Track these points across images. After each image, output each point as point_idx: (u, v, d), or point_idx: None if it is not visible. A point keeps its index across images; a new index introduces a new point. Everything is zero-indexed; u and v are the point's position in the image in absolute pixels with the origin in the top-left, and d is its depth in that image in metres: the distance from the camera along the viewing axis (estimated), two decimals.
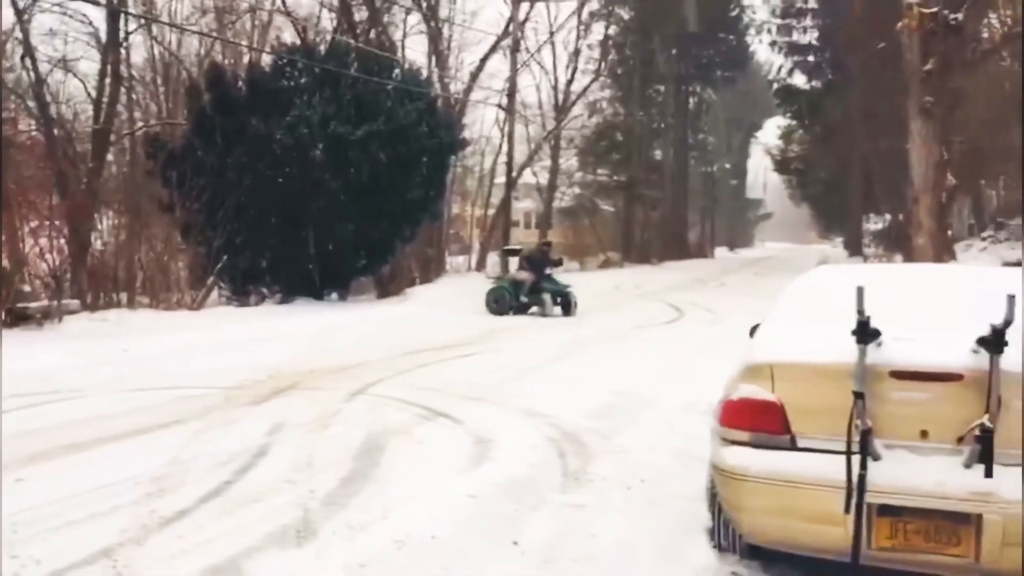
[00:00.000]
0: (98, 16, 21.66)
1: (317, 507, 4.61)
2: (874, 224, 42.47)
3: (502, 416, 7.08)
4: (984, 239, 29.74)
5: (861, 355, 3.23)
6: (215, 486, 4.95)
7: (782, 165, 47.88)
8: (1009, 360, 3.11)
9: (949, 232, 21.75)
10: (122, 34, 22.42)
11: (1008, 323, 3.03)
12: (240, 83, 19.42)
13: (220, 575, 3.68)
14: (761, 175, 68.10)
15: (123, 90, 23.21)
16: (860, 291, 3.19)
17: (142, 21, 24.21)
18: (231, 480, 5.09)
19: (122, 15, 21.31)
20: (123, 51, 23.20)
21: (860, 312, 3.20)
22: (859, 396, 3.21)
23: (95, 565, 3.75)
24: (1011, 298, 3.10)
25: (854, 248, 39.35)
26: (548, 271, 17.15)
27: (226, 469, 5.30)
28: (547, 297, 16.64)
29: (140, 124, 24.30)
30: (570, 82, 37.16)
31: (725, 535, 4.02)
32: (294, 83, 19.48)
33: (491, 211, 35.02)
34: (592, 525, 4.50)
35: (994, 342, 3.09)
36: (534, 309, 16.79)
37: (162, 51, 26.94)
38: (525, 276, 17.08)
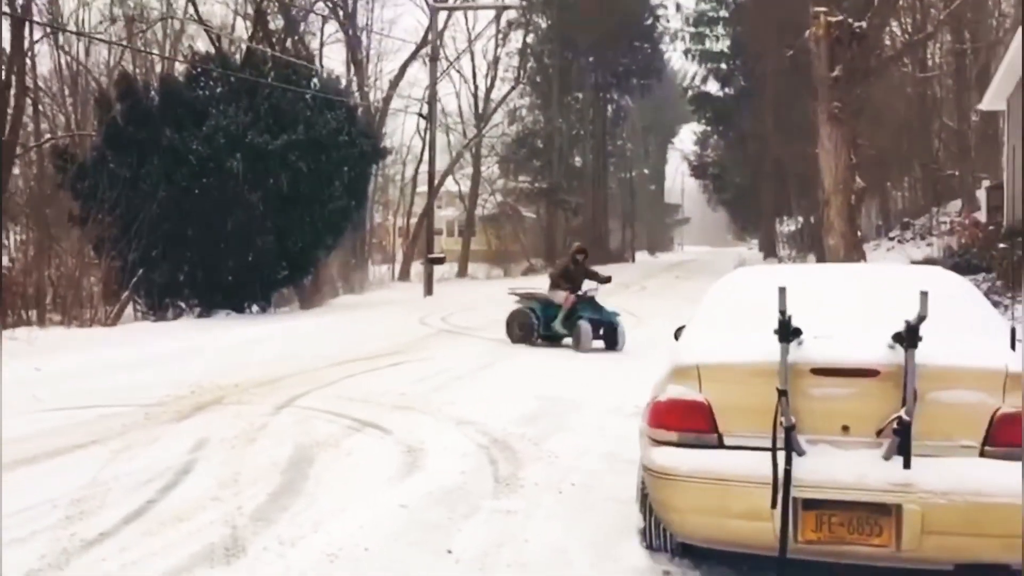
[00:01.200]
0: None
1: (245, 523, 4.53)
2: (787, 226, 43.66)
3: (432, 425, 7.06)
4: (891, 239, 30.80)
5: (784, 353, 3.32)
6: (138, 506, 4.81)
7: (698, 170, 48.90)
8: (923, 354, 3.23)
9: (859, 233, 22.43)
10: (27, 43, 21.69)
11: (922, 319, 3.16)
12: (153, 93, 18.96)
13: None
14: (679, 180, 69.44)
15: (29, 101, 22.43)
16: (782, 291, 3.28)
17: (48, 30, 23.48)
18: (154, 499, 4.95)
19: (27, 24, 20.61)
20: (28, 61, 22.45)
21: (782, 312, 3.29)
22: (783, 393, 3.30)
23: None
24: (924, 295, 3.23)
25: (769, 250, 40.39)
26: (588, 291, 12.82)
27: (149, 488, 5.15)
28: (585, 326, 12.07)
29: (48, 136, 23.50)
30: (489, 90, 37.40)
31: (657, 535, 4.08)
32: (209, 93, 19.13)
33: (413, 220, 34.91)
34: (525, 531, 4.52)
35: (908, 337, 3.21)
36: (567, 340, 12.48)
37: (69, 61, 26.12)
38: (563, 297, 12.71)
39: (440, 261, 27.17)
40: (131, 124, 17.90)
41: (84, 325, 15.41)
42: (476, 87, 37.66)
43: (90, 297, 17.13)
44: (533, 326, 12.80)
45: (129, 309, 18.18)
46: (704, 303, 4.50)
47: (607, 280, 13.34)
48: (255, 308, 19.51)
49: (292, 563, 3.94)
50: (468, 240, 38.31)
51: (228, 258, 18.19)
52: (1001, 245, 13.65)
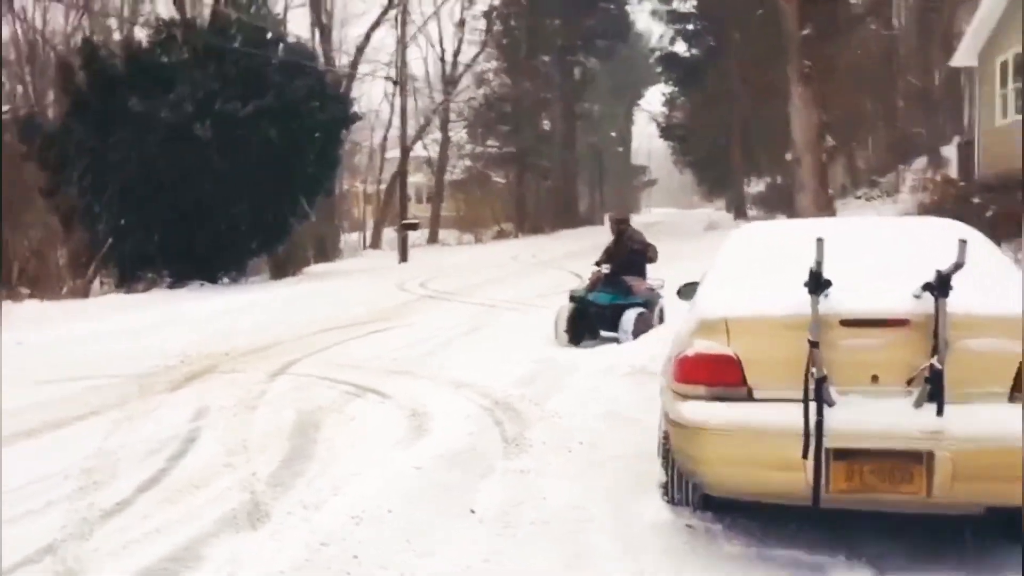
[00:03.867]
0: None
1: (263, 489, 4.51)
2: (755, 187, 43.88)
3: (430, 389, 7.05)
4: (858, 197, 31.11)
5: (815, 305, 3.34)
6: (151, 475, 4.78)
7: (666, 131, 48.78)
8: (951, 303, 3.26)
9: (830, 191, 22.64)
10: None
11: (959, 267, 3.18)
12: (116, 60, 18.53)
13: (180, 564, 3.55)
14: (645, 142, 69.36)
15: None
16: (820, 242, 3.29)
17: None
18: (166, 468, 4.92)
19: None
20: None
21: (819, 263, 3.30)
22: (814, 345, 3.32)
23: (41, 563, 3.58)
24: (963, 243, 3.25)
25: (738, 210, 40.57)
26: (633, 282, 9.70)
27: (158, 457, 5.11)
28: (632, 314, 9.23)
29: (6, 107, 22.92)
30: (456, 54, 36.99)
31: (679, 489, 4.12)
32: (175, 58, 18.74)
33: (383, 186, 34.64)
34: (541, 489, 4.53)
35: (940, 286, 3.24)
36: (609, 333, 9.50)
37: (25, 28, 25.44)
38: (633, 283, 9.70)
39: (415, 227, 27.04)
40: (96, 92, 17.51)
41: (56, 298, 15.16)
42: (443, 51, 37.32)
43: (57, 270, 16.86)
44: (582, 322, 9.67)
45: (96, 282, 17.89)
46: (718, 258, 4.50)
47: (652, 255, 9.95)
48: (228, 278, 19.33)
49: (318, 526, 3.92)
50: (438, 206, 38.13)
51: (200, 228, 17.92)
52: (975, 200, 13.82)
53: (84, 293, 16.62)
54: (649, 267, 10.14)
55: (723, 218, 42.89)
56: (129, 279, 17.92)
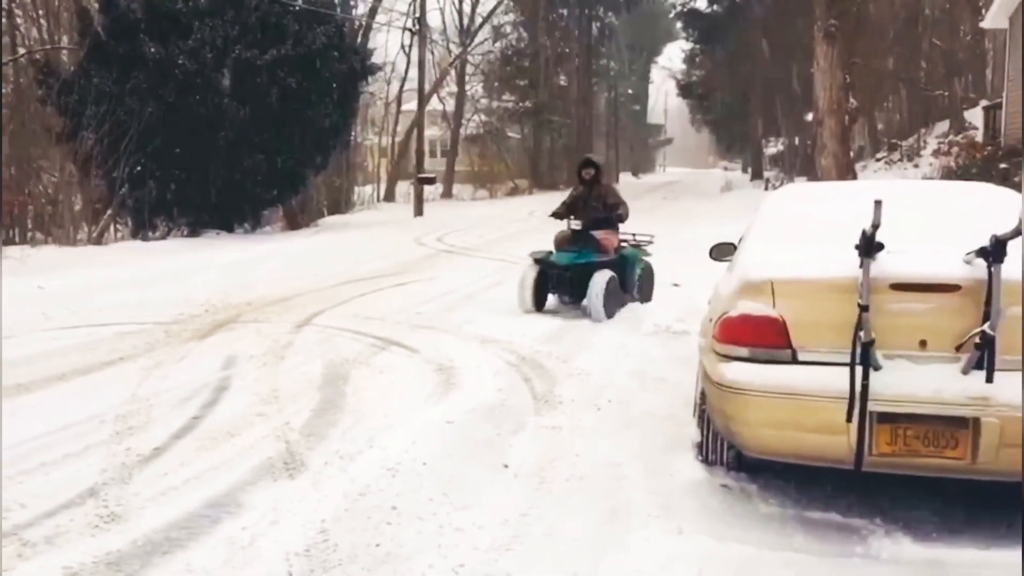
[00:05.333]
0: None
1: (297, 439, 4.53)
2: (772, 148, 43.53)
3: (456, 343, 7.05)
4: (878, 160, 30.83)
5: (866, 268, 3.30)
6: (184, 422, 4.80)
7: (685, 89, 48.33)
8: (1007, 269, 3.22)
9: (851, 154, 22.43)
10: None
11: (1018, 233, 3.14)
12: (135, 5, 18.33)
13: (221, 510, 3.58)
14: (662, 100, 68.81)
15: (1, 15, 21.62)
16: (878, 205, 3.24)
17: None
18: (199, 416, 4.94)
19: None
20: None
21: (875, 226, 3.25)
22: (864, 309, 3.29)
23: (85, 506, 3.60)
24: None
25: (756, 171, 40.31)
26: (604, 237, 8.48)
27: (191, 405, 5.14)
28: (601, 280, 8.01)
29: (22, 51, 22.75)
30: (475, 6, 36.53)
31: (713, 449, 4.12)
32: (194, 4, 18.52)
33: (398, 139, 34.44)
34: (574, 446, 4.55)
35: (995, 252, 3.20)
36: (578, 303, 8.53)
37: None
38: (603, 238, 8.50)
39: (431, 181, 26.93)
40: (114, 38, 17.36)
41: (73, 244, 15.19)
42: (461, 2, 36.84)
43: (74, 216, 16.86)
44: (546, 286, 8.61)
45: (111, 229, 17.90)
46: (758, 219, 4.46)
47: (620, 214, 8.56)
48: (244, 227, 19.33)
49: (355, 476, 3.94)
50: (452, 161, 37.91)
51: (217, 176, 17.90)
52: (1002, 165, 13.67)
53: (98, 239, 16.64)
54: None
55: (739, 179, 42.64)
56: (145, 227, 17.92)
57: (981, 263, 3.28)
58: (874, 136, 35.72)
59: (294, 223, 21.63)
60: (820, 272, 3.54)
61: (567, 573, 3.15)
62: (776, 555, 3.32)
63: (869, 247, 3.30)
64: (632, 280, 8.69)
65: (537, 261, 8.58)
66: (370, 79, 27.07)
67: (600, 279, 8.08)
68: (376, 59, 28.31)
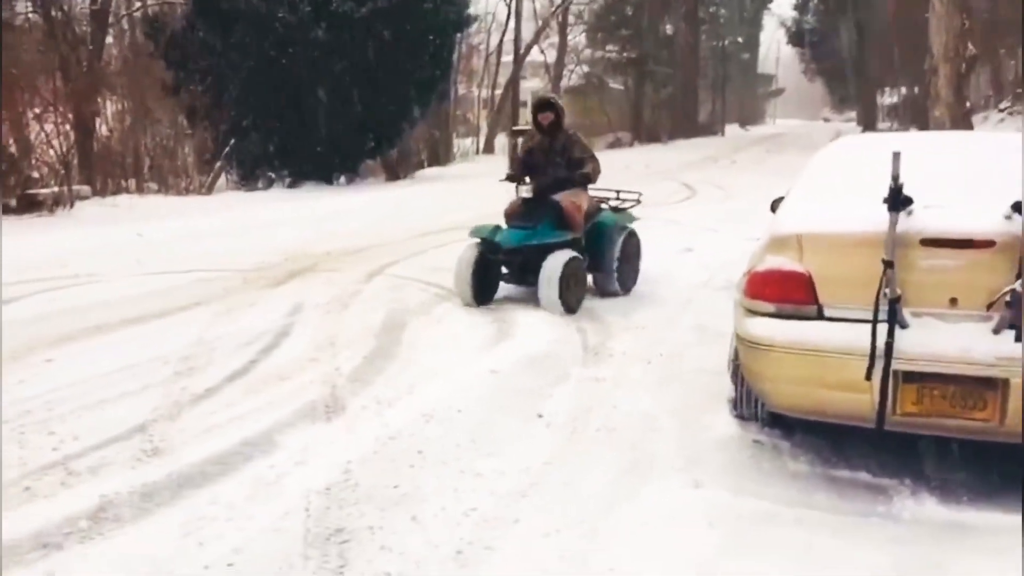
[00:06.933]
0: None
1: (343, 384, 4.69)
2: (889, 98, 41.64)
3: (516, 294, 7.08)
4: (1002, 111, 29.13)
5: (892, 223, 3.19)
6: (241, 365, 5.02)
7: (796, 37, 46.60)
8: None
9: (967, 104, 21.27)
10: None
11: None
12: None
13: (255, 448, 3.76)
14: (774, 49, 66.45)
15: None
16: (896, 156, 3.12)
17: None
18: (256, 359, 5.16)
19: None
20: None
21: (895, 178, 3.14)
22: (889, 264, 3.18)
23: (131, 440, 3.84)
24: None
25: (868, 123, 38.70)
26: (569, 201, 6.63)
27: (251, 349, 5.37)
28: (556, 262, 6.24)
29: (138, 4, 23.64)
30: None
31: (747, 405, 4.08)
32: None
33: (498, 91, 34.39)
34: (613, 398, 4.57)
35: None
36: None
37: None
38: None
39: (524, 133, 26.82)
40: None
41: (180, 193, 15.85)
42: None
43: (184, 166, 17.56)
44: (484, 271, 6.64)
45: (222, 179, 18.62)
46: (806, 172, 4.33)
47: (587, 172, 6.64)
48: (342, 179, 19.77)
49: (389, 421, 4.07)
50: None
51: (316, 129, 18.31)
52: None
53: (208, 190, 17.32)
54: (624, 181, 7.66)
55: (851, 131, 41.01)
56: (249, 177, 18.56)
57: (1019, 219, 3.13)
58: (1000, 85, 33.69)
59: (392, 175, 21.94)
60: (848, 226, 3.44)
61: (574, 521, 3.20)
62: (791, 511, 3.29)
63: (895, 201, 3.18)
64: (611, 258, 6.85)
65: (484, 241, 6.58)
66: (470, 30, 27.10)
67: (555, 262, 6.20)
68: (478, 9, 28.29)
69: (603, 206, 7.18)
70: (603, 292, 6.99)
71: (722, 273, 7.84)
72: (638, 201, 7.43)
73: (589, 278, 6.90)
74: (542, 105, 6.85)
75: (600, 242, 6.87)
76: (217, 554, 2.87)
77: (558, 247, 6.41)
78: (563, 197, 6.59)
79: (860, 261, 3.31)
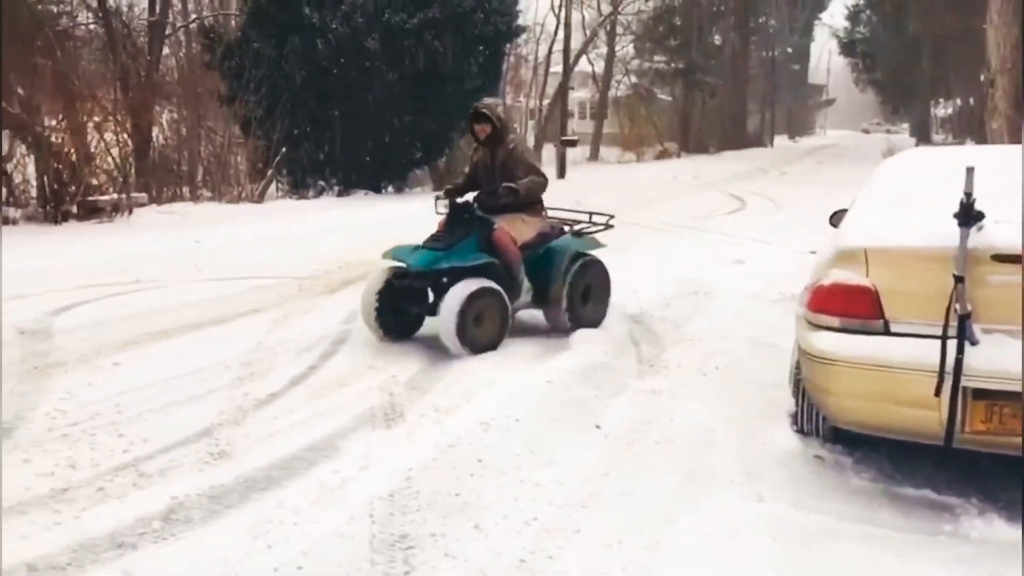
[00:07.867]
0: None
1: (401, 391, 4.74)
2: (943, 109, 40.96)
3: None
4: None
5: (964, 238, 3.16)
6: (301, 371, 5.10)
7: (848, 48, 45.99)
8: None
9: None
10: None
11: None
12: None
13: (318, 454, 3.82)
14: (825, 59, 65.78)
15: None
16: (970, 171, 3.09)
17: None
18: (316, 365, 5.24)
19: None
20: None
21: (968, 193, 3.11)
22: (959, 280, 3.15)
23: (199, 443, 3.92)
24: None
25: (922, 135, 38.11)
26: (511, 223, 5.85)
27: (310, 355, 5.45)
28: (460, 292, 5.37)
29: (194, 16, 24.16)
30: None
31: (808, 420, 4.05)
32: None
33: (546, 101, 34.47)
34: (671, 410, 4.56)
35: None
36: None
37: None
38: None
39: (573, 143, 26.89)
40: (273, 3, 18.15)
41: (233, 201, 16.12)
42: None
43: (237, 175, 17.86)
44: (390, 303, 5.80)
45: (272, 187, 18.90)
46: (870, 184, 4.29)
47: (504, 187, 5.75)
48: (391, 188, 19.96)
49: (448, 429, 4.11)
50: (600, 123, 37.64)
51: (366, 138, 18.55)
52: None
53: (260, 198, 17.60)
54: (591, 198, 6.76)
55: (904, 143, 40.44)
56: (300, 186, 18.83)
57: None
58: None
59: (440, 184, 22.12)
60: (915, 241, 3.40)
61: (635, 531, 3.20)
62: (855, 527, 3.26)
63: (967, 216, 3.15)
64: (557, 289, 5.93)
65: (396, 263, 5.81)
66: (519, 41, 27.22)
67: (459, 291, 5.33)
68: (527, 19, 28.40)
69: (565, 229, 6.36)
70: (554, 326, 6.10)
71: (774, 285, 7.80)
72: (608, 225, 6.46)
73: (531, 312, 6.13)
74: (477, 116, 5.97)
75: (546, 270, 5.94)
76: (286, 557, 2.92)
77: (472, 273, 5.50)
78: (504, 218, 5.80)
79: (928, 276, 3.28)
